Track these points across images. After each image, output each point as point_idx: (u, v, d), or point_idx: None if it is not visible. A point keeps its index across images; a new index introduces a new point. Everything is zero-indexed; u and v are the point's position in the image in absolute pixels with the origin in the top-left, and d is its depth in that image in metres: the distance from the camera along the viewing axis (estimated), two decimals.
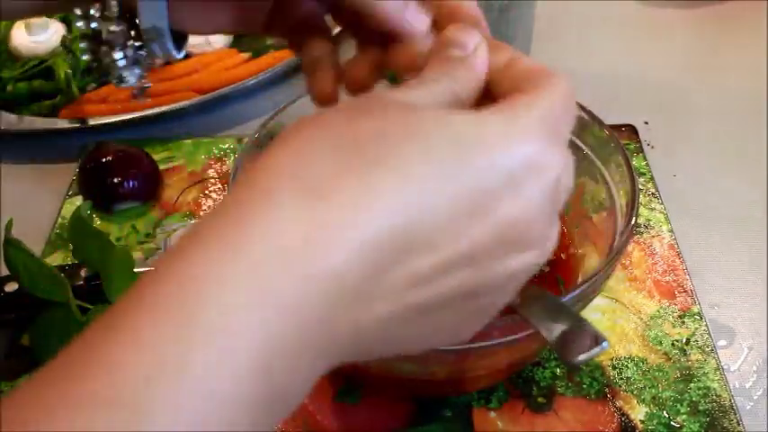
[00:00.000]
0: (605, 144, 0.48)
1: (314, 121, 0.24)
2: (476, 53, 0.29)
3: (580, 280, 0.48)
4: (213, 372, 0.20)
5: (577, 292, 0.39)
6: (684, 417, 0.46)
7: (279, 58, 0.77)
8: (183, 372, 0.19)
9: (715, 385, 0.48)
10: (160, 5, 0.34)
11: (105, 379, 0.19)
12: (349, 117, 0.24)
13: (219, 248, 0.21)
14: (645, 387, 0.48)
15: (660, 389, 0.48)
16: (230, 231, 0.21)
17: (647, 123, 0.69)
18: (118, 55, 0.35)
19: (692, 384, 0.48)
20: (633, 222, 0.43)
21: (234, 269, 0.21)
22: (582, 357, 0.34)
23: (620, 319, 0.52)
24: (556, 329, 0.36)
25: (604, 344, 0.35)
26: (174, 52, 0.37)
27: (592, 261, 0.48)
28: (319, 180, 0.22)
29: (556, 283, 0.48)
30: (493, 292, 0.26)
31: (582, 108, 0.50)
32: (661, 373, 0.49)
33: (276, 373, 0.21)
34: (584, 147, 0.50)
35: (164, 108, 0.70)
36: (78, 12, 0.34)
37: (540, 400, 0.48)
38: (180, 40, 0.38)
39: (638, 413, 0.47)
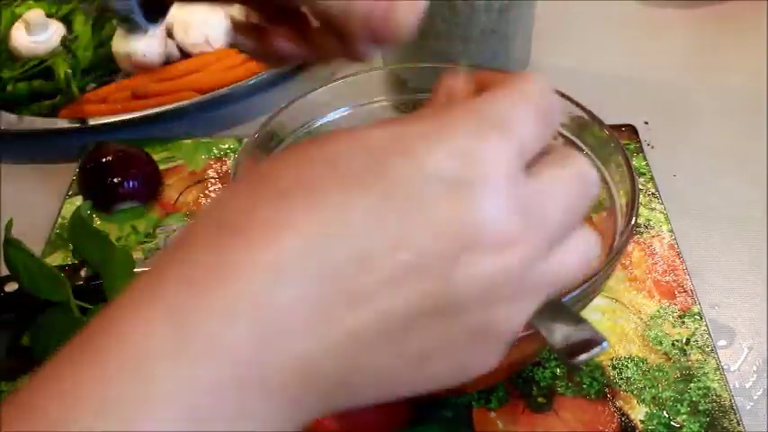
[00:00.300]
0: (605, 144, 0.48)
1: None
2: None
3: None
4: (141, 415, 0.20)
5: (577, 292, 0.39)
6: (684, 417, 0.46)
7: None
8: (111, 409, 0.19)
9: (715, 385, 0.48)
10: None
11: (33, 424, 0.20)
12: (276, 157, 0.24)
13: (144, 297, 0.21)
14: (645, 387, 0.48)
15: (660, 389, 0.48)
16: (154, 282, 0.22)
17: (647, 123, 0.69)
18: None
19: (692, 384, 0.48)
20: (633, 222, 0.43)
21: (154, 314, 0.21)
22: (582, 357, 0.34)
23: (620, 319, 0.52)
24: (556, 329, 0.36)
25: (604, 344, 0.35)
26: (145, 25, 0.36)
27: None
28: (232, 215, 0.22)
29: None
30: (474, 308, 0.23)
31: (582, 108, 0.50)
32: (661, 373, 0.49)
33: (206, 420, 0.20)
34: (584, 147, 0.50)
35: (164, 108, 0.70)
36: None
37: (540, 400, 0.48)
38: (157, 11, 0.37)
39: (638, 413, 0.47)
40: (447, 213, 0.22)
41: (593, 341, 0.35)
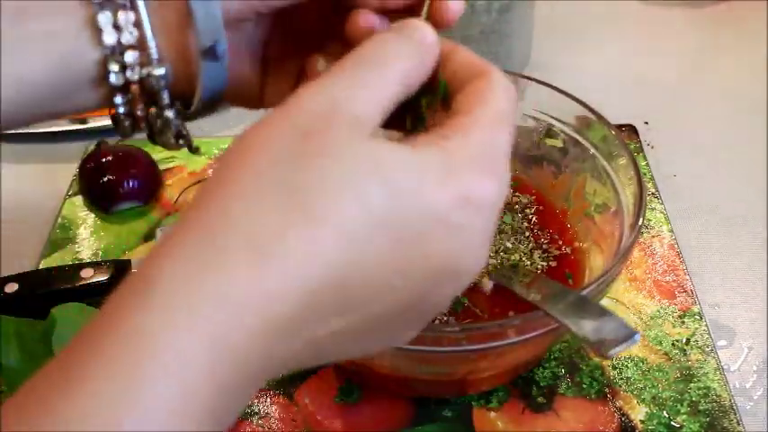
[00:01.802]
0: (611, 144, 0.48)
1: (259, 148, 0.25)
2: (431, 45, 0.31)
3: (587, 274, 0.48)
4: (164, 411, 0.22)
5: (584, 293, 0.39)
6: (684, 417, 0.46)
7: None
8: (134, 408, 0.21)
9: (715, 385, 0.48)
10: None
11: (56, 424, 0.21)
12: (293, 154, 0.25)
13: (175, 300, 0.23)
14: (645, 387, 0.48)
15: (660, 389, 0.48)
16: (187, 287, 0.23)
17: (647, 123, 0.69)
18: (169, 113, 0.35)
19: (692, 384, 0.48)
20: (641, 223, 0.43)
21: (188, 319, 0.23)
22: (617, 349, 0.34)
23: None
24: (584, 324, 0.36)
25: (636, 336, 0.35)
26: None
27: (596, 259, 0.48)
28: (265, 238, 0.24)
29: (564, 278, 0.48)
30: (426, 312, 0.29)
31: (589, 108, 0.50)
32: (661, 373, 0.49)
33: (219, 409, 0.23)
34: (589, 146, 0.50)
35: None
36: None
37: (540, 400, 0.48)
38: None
39: (638, 413, 0.47)
40: (440, 253, 0.26)
41: (624, 333, 0.35)
